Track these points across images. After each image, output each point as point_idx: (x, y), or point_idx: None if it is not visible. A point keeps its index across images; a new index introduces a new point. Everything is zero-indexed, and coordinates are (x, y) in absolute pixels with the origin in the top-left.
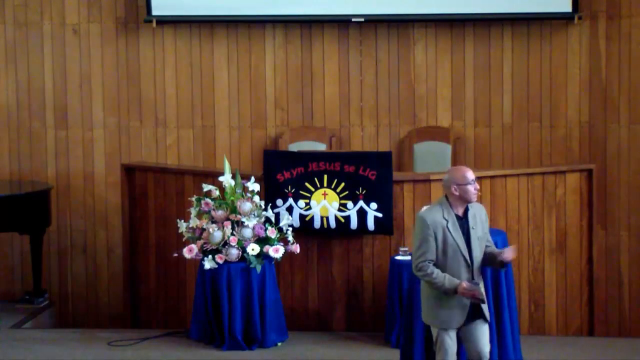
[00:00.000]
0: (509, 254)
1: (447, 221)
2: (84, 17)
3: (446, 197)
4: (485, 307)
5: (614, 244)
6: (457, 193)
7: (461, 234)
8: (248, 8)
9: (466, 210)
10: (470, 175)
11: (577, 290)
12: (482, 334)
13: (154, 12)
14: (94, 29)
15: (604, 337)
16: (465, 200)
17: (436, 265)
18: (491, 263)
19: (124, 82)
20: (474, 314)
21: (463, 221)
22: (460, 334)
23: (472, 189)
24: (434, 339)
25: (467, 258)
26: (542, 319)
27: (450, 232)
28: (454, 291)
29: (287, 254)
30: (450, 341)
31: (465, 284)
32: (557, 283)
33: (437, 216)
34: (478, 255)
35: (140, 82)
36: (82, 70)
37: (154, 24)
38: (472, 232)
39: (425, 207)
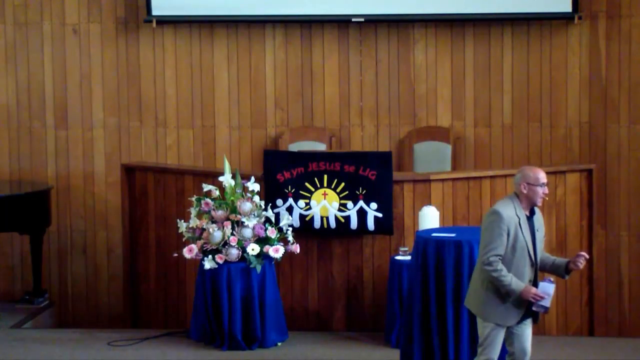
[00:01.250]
0: (582, 262)
1: (519, 218)
2: (84, 17)
3: (516, 194)
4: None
5: (614, 244)
6: (525, 192)
7: (530, 233)
8: (248, 8)
9: (532, 211)
10: (543, 178)
11: (577, 290)
12: (529, 333)
13: (154, 12)
14: (94, 29)
15: (604, 337)
16: (531, 201)
17: (502, 261)
18: (555, 270)
19: (124, 82)
20: (526, 313)
21: (530, 221)
22: (507, 332)
23: (541, 191)
24: (485, 334)
25: (533, 258)
26: (542, 319)
27: (521, 230)
28: (518, 293)
29: (287, 254)
30: (501, 339)
31: (532, 292)
32: (557, 283)
33: (511, 212)
34: (539, 258)
35: (140, 82)
36: (82, 70)
37: (154, 24)
38: (537, 233)
39: (498, 202)
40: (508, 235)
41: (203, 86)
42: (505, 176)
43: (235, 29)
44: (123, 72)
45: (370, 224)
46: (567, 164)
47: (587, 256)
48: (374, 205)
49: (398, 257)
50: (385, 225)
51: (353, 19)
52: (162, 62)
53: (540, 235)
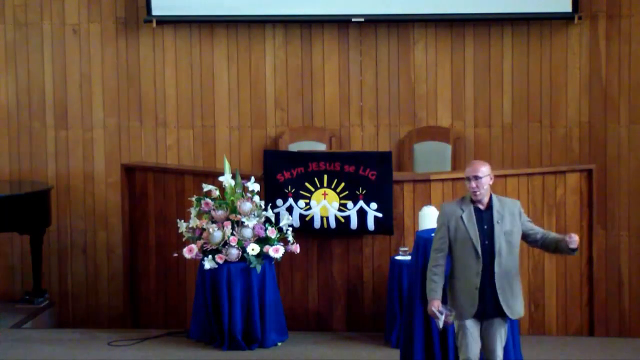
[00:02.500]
0: (575, 241)
1: (464, 211)
2: (84, 17)
3: None
4: (508, 304)
5: (614, 244)
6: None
7: (476, 226)
8: (248, 8)
9: (490, 205)
10: (468, 171)
11: (577, 290)
12: (499, 335)
13: (154, 12)
14: (94, 29)
15: (604, 337)
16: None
17: (450, 254)
18: (559, 250)
19: (124, 82)
20: (492, 310)
21: (484, 214)
22: (480, 331)
23: (468, 186)
24: (456, 332)
25: (479, 250)
26: (542, 319)
27: (464, 223)
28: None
29: (287, 254)
30: (472, 337)
31: (433, 308)
32: (557, 283)
33: (454, 206)
34: (504, 248)
35: (140, 82)
36: (82, 70)
37: (154, 24)
38: (496, 226)
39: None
40: (449, 229)
41: (203, 86)
42: (506, 176)
43: (235, 29)
44: (123, 72)
45: (370, 224)
46: (567, 164)
47: (574, 236)
48: (374, 205)
49: (398, 257)
50: (385, 225)
51: (353, 19)
52: (162, 62)
53: (505, 227)
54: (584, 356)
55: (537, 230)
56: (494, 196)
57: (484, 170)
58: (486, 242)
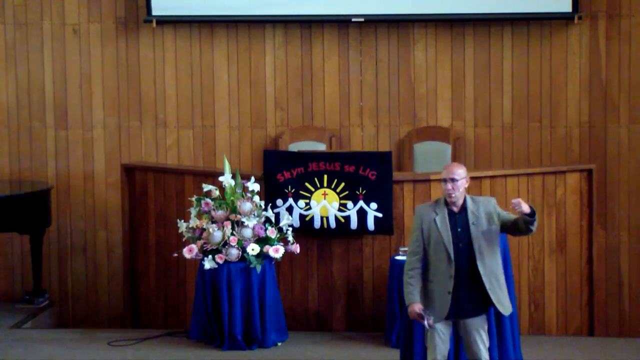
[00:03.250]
0: (522, 206)
1: (437, 214)
2: (84, 17)
3: None
4: (500, 301)
5: (614, 244)
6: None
7: (449, 229)
8: (248, 8)
9: (465, 207)
10: (444, 173)
11: (577, 290)
12: (479, 338)
13: (154, 12)
14: (94, 29)
15: (604, 337)
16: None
17: (425, 257)
18: (520, 229)
19: (124, 82)
20: (469, 310)
21: (458, 217)
22: (459, 332)
23: (444, 188)
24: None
25: (451, 253)
26: (542, 319)
27: (437, 226)
28: (407, 304)
29: (287, 254)
30: (440, 338)
31: (416, 311)
32: (557, 283)
33: (428, 210)
34: (485, 248)
35: (140, 82)
36: (82, 70)
37: (154, 24)
38: (472, 227)
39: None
40: (423, 231)
41: (203, 86)
42: (505, 176)
43: (235, 29)
44: (123, 72)
45: (370, 224)
46: (567, 164)
47: (518, 200)
48: (374, 205)
49: (398, 257)
50: (385, 225)
51: (353, 19)
52: (162, 62)
53: (482, 227)
54: (584, 356)
55: (512, 217)
56: (468, 197)
57: (461, 173)
58: (460, 245)
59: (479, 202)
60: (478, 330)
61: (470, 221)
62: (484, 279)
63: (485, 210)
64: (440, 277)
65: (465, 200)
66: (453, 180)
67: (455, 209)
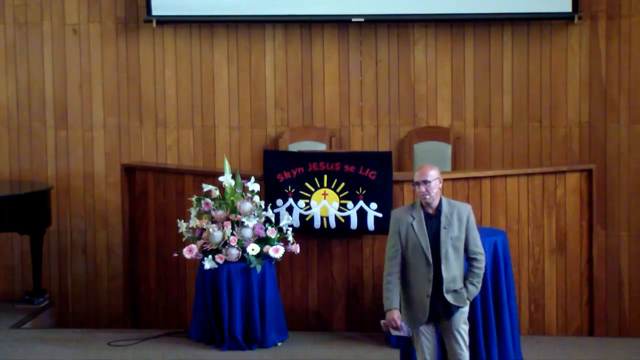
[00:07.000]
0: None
1: (414, 218)
2: (84, 17)
3: None
4: (456, 300)
5: (614, 244)
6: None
7: (426, 232)
8: (248, 8)
9: (439, 210)
10: (416, 176)
11: (577, 290)
12: (452, 335)
13: (154, 12)
14: (94, 29)
15: (604, 337)
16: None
17: (403, 261)
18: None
19: (124, 82)
20: (443, 313)
21: (433, 219)
22: (440, 333)
23: (417, 190)
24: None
25: (429, 256)
26: (542, 319)
27: (414, 229)
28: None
29: (287, 254)
30: (423, 345)
31: (395, 318)
32: (557, 283)
33: (404, 213)
34: (450, 253)
35: (140, 82)
36: (82, 70)
37: (154, 24)
38: (442, 231)
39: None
40: (400, 235)
41: (203, 86)
42: (505, 176)
43: (235, 29)
44: (123, 72)
45: (370, 224)
46: (567, 164)
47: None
48: (374, 205)
49: None
50: (385, 225)
51: (353, 19)
52: (162, 62)
53: (453, 232)
54: (584, 356)
55: (471, 249)
56: (444, 200)
57: (433, 174)
58: (433, 248)
59: (455, 206)
60: (457, 329)
61: (442, 225)
62: (444, 282)
63: (458, 217)
64: (419, 281)
65: (440, 203)
66: (426, 182)
67: (430, 211)
